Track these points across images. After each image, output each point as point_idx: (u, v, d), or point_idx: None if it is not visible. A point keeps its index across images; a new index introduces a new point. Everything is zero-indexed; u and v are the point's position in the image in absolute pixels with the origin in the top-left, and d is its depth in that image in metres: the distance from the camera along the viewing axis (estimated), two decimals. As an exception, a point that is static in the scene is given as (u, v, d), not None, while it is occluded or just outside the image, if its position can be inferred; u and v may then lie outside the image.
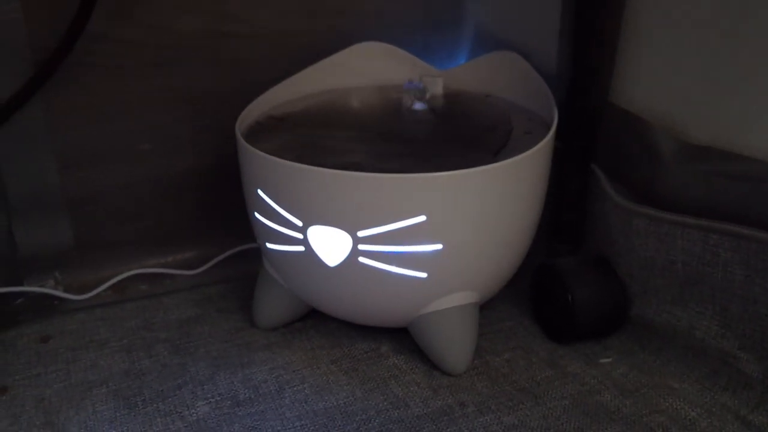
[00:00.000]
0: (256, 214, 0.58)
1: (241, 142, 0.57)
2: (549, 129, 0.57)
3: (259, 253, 0.64)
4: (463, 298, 0.57)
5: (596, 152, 0.63)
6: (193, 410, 0.54)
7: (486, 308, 0.62)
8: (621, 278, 0.61)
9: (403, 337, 0.60)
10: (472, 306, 0.58)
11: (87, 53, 0.63)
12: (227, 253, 0.75)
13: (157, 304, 0.68)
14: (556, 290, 0.60)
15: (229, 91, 0.68)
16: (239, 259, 0.74)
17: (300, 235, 0.54)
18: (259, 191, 0.56)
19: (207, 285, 0.71)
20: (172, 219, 0.73)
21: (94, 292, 0.70)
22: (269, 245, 0.59)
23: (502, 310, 0.65)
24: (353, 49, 0.71)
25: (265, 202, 0.56)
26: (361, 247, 0.53)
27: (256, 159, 0.55)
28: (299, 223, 0.54)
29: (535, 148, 0.54)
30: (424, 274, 0.54)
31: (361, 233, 0.52)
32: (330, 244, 0.54)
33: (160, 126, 0.69)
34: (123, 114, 0.67)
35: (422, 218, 0.51)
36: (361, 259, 0.53)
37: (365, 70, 0.71)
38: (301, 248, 0.55)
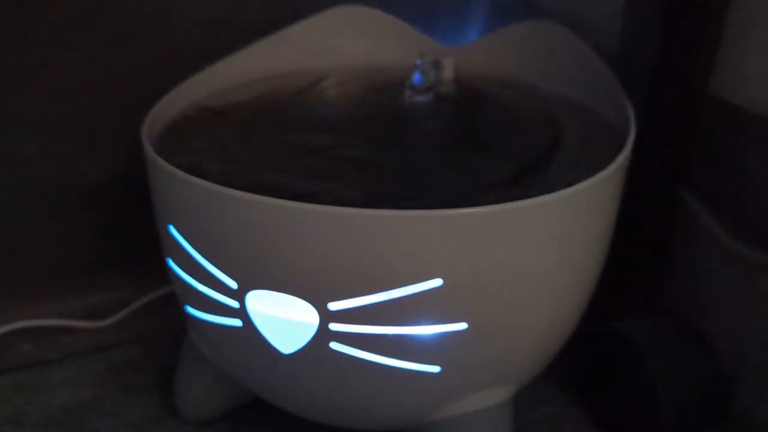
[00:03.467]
0: (171, 263, 0.42)
1: (148, 150, 0.41)
2: (616, 134, 0.43)
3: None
4: (492, 396, 0.42)
5: (687, 169, 0.50)
6: None
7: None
8: (720, 356, 0.48)
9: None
10: (505, 405, 0.44)
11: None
12: (145, 299, 0.61)
13: (39, 379, 0.54)
14: (623, 368, 0.48)
15: (150, 73, 0.56)
16: (161, 307, 0.60)
17: (235, 303, 0.39)
18: (171, 228, 0.40)
19: (115, 347, 0.57)
20: (68, 250, 0.61)
21: (-46, 359, 0.55)
22: (191, 311, 0.43)
23: (538, 389, 0.52)
24: (326, 15, 0.58)
25: (181, 246, 0.39)
26: (333, 326, 0.38)
27: (167, 179, 0.39)
28: (233, 285, 0.39)
29: (607, 171, 0.39)
30: (436, 368, 0.39)
31: (333, 305, 0.37)
32: (283, 321, 0.38)
33: (52, 121, 0.58)
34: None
35: (437, 283, 0.36)
36: (334, 346, 0.38)
37: (343, 44, 0.59)
38: (237, 322, 0.40)
